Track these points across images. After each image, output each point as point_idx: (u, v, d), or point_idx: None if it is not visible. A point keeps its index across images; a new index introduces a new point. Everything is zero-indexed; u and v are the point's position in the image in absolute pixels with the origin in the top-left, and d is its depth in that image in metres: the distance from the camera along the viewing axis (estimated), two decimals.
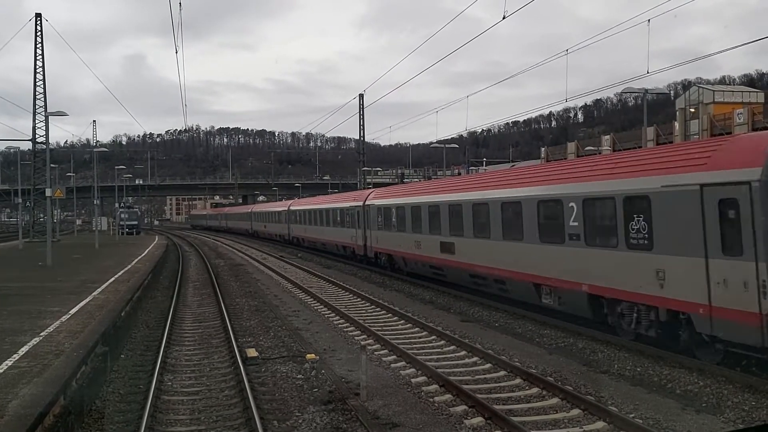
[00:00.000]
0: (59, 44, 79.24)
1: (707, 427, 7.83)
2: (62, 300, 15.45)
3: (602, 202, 12.35)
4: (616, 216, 11.82)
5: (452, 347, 12.52)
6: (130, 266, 25.21)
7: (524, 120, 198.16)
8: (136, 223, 78.33)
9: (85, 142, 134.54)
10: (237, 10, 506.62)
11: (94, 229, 52.42)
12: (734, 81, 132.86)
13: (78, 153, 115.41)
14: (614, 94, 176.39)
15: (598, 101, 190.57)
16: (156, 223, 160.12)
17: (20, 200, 57.66)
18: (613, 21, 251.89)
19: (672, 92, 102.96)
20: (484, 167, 74.17)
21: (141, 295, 18.33)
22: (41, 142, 46.23)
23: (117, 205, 69.81)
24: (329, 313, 16.95)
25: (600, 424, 8.00)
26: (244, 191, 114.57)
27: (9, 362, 9.19)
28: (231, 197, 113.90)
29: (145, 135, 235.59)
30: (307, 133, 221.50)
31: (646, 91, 34.14)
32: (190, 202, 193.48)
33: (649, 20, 21.41)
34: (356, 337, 13.69)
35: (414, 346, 12.74)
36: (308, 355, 11.71)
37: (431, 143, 69.44)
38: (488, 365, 11.07)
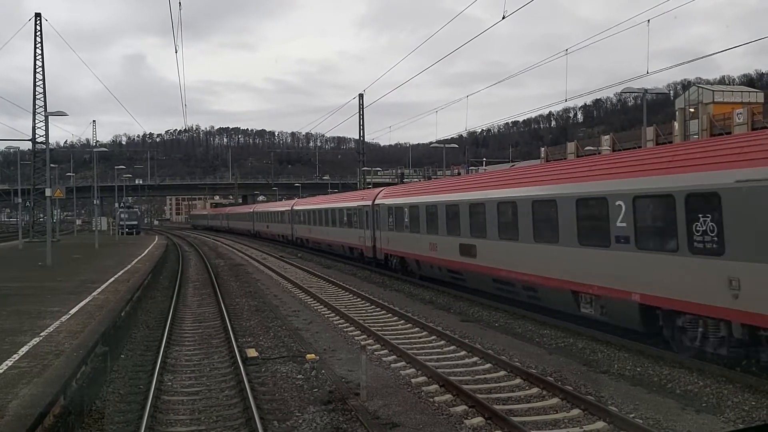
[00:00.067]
0: (59, 44, 79.45)
1: (707, 427, 7.83)
2: (62, 300, 15.44)
3: (658, 201, 10.93)
4: (675, 216, 10.39)
5: (452, 347, 12.51)
6: (129, 266, 25.20)
7: (524, 120, 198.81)
8: (135, 223, 78.28)
9: (85, 142, 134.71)
10: (237, 10, 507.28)
11: (93, 229, 52.41)
12: (734, 81, 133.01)
13: (78, 153, 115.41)
14: (614, 94, 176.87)
15: (597, 101, 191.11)
16: (156, 223, 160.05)
17: (20, 200, 57.71)
18: (612, 21, 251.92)
19: (672, 92, 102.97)
20: (483, 167, 74.15)
21: (141, 295, 18.33)
22: (41, 142, 46.22)
23: (117, 205, 69.79)
24: (329, 313, 16.95)
25: (600, 424, 8.00)
26: (244, 191, 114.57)
27: (9, 362, 9.19)
28: (231, 197, 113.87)
29: (144, 135, 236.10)
30: (307, 133, 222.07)
31: (646, 91, 34.18)
32: (190, 202, 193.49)
33: (648, 20, 21.41)
34: (356, 337, 13.68)
35: (414, 346, 12.74)
36: (308, 355, 11.71)
37: (431, 143, 69.43)
38: (488, 365, 11.06)
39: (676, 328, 10.81)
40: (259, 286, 23.35)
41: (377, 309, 17.41)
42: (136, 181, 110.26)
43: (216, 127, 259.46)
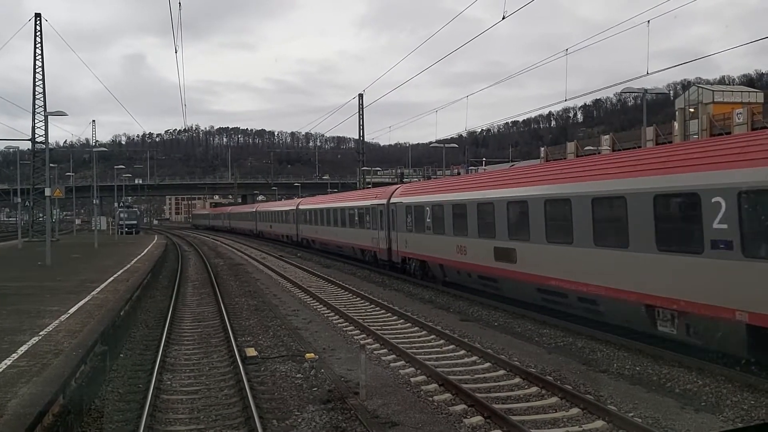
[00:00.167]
0: (59, 44, 79.58)
1: (706, 426, 7.83)
2: (61, 299, 15.44)
3: None
4: None
5: (451, 346, 12.52)
6: (129, 266, 25.19)
7: (524, 120, 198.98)
8: (135, 222, 78.23)
9: (85, 141, 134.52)
10: (237, 10, 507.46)
11: (93, 228, 52.40)
12: (733, 81, 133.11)
13: (77, 153, 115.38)
14: (614, 94, 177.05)
15: (597, 101, 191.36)
16: (155, 222, 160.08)
17: (19, 200, 57.73)
18: (612, 21, 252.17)
19: (671, 92, 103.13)
20: (483, 167, 74.14)
21: (140, 295, 18.33)
22: (41, 142, 46.18)
23: (116, 204, 69.69)
24: (328, 313, 16.95)
25: (599, 423, 8.00)
26: (244, 191, 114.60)
27: (8, 361, 9.19)
28: (230, 197, 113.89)
29: (144, 135, 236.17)
30: (307, 133, 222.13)
31: (646, 91, 34.20)
32: (190, 202, 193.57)
33: (648, 21, 21.37)
34: (355, 337, 13.68)
35: (413, 345, 12.74)
36: (307, 354, 11.71)
37: (431, 143, 69.43)
38: (487, 364, 11.06)
39: None
40: (259, 286, 23.35)
41: (376, 308, 17.41)
42: (136, 181, 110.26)
43: (216, 127, 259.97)
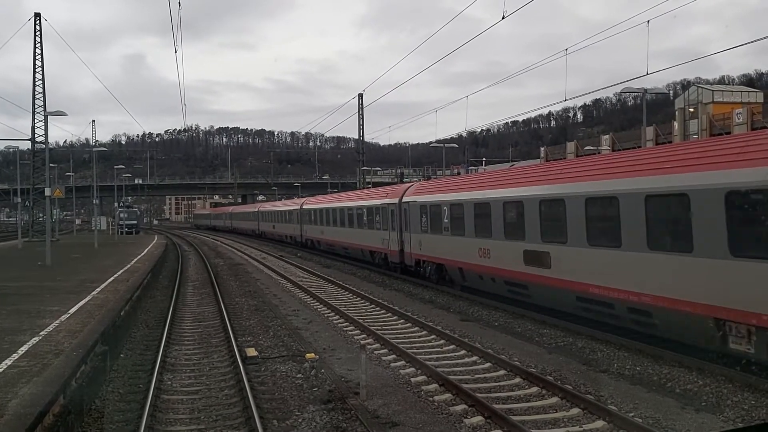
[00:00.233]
0: (59, 44, 79.77)
1: (707, 426, 7.83)
2: (61, 299, 15.44)
3: None
4: None
5: (452, 346, 12.52)
6: (129, 266, 25.19)
7: (524, 120, 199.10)
8: (135, 222, 78.23)
9: (85, 141, 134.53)
10: (236, 10, 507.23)
11: (93, 228, 52.40)
12: (733, 81, 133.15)
13: (77, 152, 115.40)
14: (613, 94, 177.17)
15: (597, 101, 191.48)
16: (155, 222, 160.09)
17: (19, 200, 57.73)
18: (612, 21, 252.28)
19: (671, 92, 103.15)
20: (483, 167, 74.15)
21: (140, 295, 18.33)
22: (40, 142, 46.16)
23: (116, 204, 69.70)
24: (329, 313, 16.95)
25: (600, 423, 8.01)
26: (244, 191, 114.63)
27: (8, 361, 9.19)
28: (230, 197, 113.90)
29: (144, 134, 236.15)
30: (307, 133, 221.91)
31: (645, 91, 34.18)
32: (189, 202, 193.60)
33: (648, 21, 21.37)
34: (356, 337, 13.69)
35: (413, 345, 12.74)
36: (308, 354, 11.71)
37: (431, 143, 69.42)
38: (488, 364, 11.07)
39: None
40: (259, 286, 23.35)
41: (377, 308, 17.41)
42: (136, 181, 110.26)
43: (215, 127, 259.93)
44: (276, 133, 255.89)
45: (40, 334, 11.21)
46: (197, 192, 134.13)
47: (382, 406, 8.82)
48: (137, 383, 10.28)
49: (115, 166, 69.68)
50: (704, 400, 8.78)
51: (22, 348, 10.05)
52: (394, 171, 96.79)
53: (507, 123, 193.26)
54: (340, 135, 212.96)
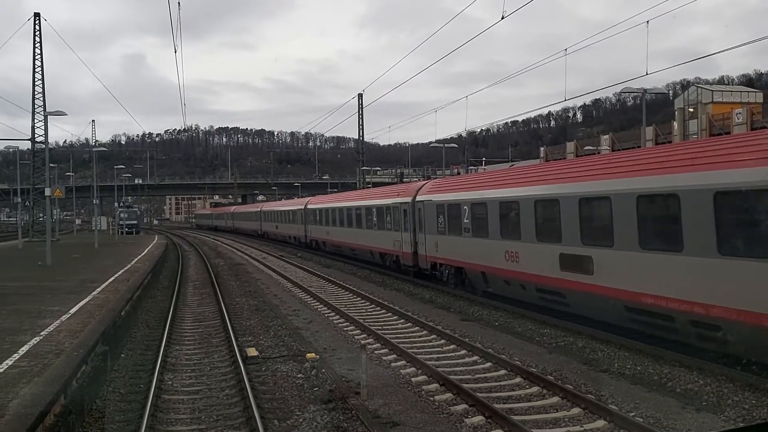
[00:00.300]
0: (58, 44, 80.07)
1: (708, 426, 7.84)
2: (62, 299, 15.44)
3: None
4: None
5: (452, 346, 12.52)
6: (129, 266, 25.19)
7: (523, 120, 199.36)
8: (135, 222, 78.24)
9: (84, 141, 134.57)
10: (236, 10, 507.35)
11: (93, 228, 52.40)
12: (733, 81, 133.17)
13: (77, 152, 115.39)
14: (613, 94, 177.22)
15: (597, 101, 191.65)
16: (155, 222, 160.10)
17: (19, 200, 57.73)
18: (612, 21, 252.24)
19: (671, 92, 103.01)
20: (483, 167, 74.14)
21: (141, 295, 18.33)
22: (40, 142, 46.17)
23: (116, 204, 69.71)
24: (329, 313, 16.96)
25: (600, 423, 8.01)
26: (244, 191, 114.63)
27: (9, 362, 9.19)
28: (230, 197, 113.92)
29: (144, 134, 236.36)
30: (307, 133, 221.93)
31: (645, 91, 34.16)
32: (190, 202, 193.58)
33: (648, 21, 21.38)
34: (356, 336, 13.69)
35: (414, 345, 12.75)
36: (308, 354, 11.71)
37: (430, 143, 69.46)
38: (488, 364, 11.07)
39: None
40: (259, 286, 23.36)
41: (377, 308, 17.42)
42: (136, 181, 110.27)
43: (215, 127, 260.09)
44: (276, 133, 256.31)
45: (41, 334, 11.21)
46: (197, 192, 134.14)
47: (382, 405, 8.82)
48: (138, 383, 10.29)
49: (115, 166, 69.73)
50: (705, 400, 8.78)
51: (22, 348, 10.06)
52: (393, 171, 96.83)
53: (507, 123, 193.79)
54: (340, 135, 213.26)
